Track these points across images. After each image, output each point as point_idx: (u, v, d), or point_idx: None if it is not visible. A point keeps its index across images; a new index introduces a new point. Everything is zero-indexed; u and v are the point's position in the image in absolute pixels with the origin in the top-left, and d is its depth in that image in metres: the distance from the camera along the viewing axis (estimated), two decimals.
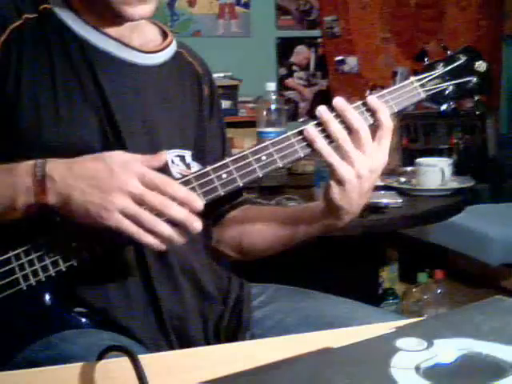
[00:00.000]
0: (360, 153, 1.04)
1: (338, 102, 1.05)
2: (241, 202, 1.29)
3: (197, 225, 0.96)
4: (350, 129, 1.04)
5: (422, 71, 1.14)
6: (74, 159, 0.97)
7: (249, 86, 3.80)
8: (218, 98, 1.33)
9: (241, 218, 1.27)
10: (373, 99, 1.07)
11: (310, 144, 1.05)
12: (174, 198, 0.95)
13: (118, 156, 0.97)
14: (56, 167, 0.96)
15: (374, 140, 1.05)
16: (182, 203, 0.95)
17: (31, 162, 0.97)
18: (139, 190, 0.94)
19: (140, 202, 0.94)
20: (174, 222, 0.95)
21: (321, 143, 1.04)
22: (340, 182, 1.05)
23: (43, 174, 0.95)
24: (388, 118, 1.07)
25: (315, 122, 1.05)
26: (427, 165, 2.10)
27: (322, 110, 1.05)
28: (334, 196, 1.07)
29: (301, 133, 1.05)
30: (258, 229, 1.24)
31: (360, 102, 1.07)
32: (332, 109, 1.05)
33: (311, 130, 1.04)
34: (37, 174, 0.95)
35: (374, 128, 1.07)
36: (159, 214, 0.94)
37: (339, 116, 1.05)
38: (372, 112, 1.06)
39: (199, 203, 0.97)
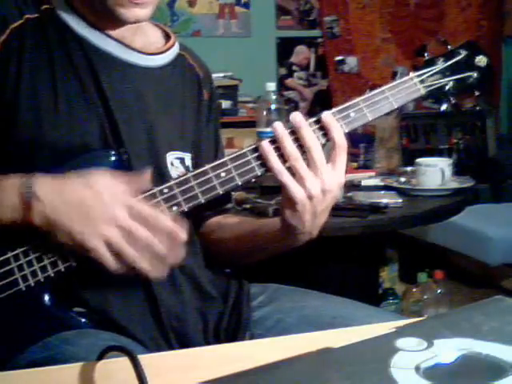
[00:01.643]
0: (312, 173, 1.01)
1: (295, 117, 1.02)
2: (224, 210, 1.29)
3: (178, 254, 0.99)
4: (302, 147, 1.01)
5: (422, 67, 1.13)
6: (63, 180, 0.98)
7: (249, 86, 3.80)
8: (216, 103, 1.33)
9: (217, 225, 1.27)
10: (327, 116, 1.04)
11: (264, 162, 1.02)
12: (160, 230, 0.97)
13: (104, 180, 0.98)
14: (44, 188, 0.97)
15: (328, 160, 1.02)
16: (167, 234, 0.97)
17: (19, 180, 0.97)
18: (127, 223, 0.96)
19: (127, 234, 0.96)
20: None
21: (273, 161, 1.01)
22: (291, 202, 1.03)
23: (30, 195, 0.96)
24: (342, 136, 1.03)
25: (271, 139, 1.03)
26: (427, 165, 2.10)
27: (277, 126, 1.02)
28: (286, 214, 1.06)
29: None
30: (224, 239, 1.24)
31: (314, 119, 1.04)
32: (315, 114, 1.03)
33: (266, 145, 1.02)
34: (24, 195, 0.96)
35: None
36: (145, 248, 0.97)
37: (294, 133, 1.02)
38: (325, 131, 1.03)
39: (183, 236, 0.99)
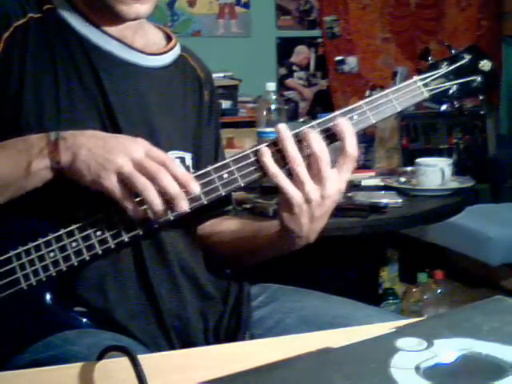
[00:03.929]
0: (313, 180, 1.00)
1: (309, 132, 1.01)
2: (224, 212, 1.29)
3: (184, 204, 0.97)
4: (309, 153, 1.00)
5: (426, 70, 1.13)
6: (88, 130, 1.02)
7: (249, 86, 3.80)
8: (216, 104, 1.33)
9: (216, 226, 1.27)
10: (342, 122, 1.02)
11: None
12: (173, 175, 0.96)
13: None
14: (68, 131, 1.00)
15: (334, 166, 1.01)
16: (179, 182, 0.97)
17: (45, 132, 1.00)
18: (141, 156, 0.97)
19: (139, 167, 0.96)
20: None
21: (267, 162, 1.00)
22: (288, 204, 1.02)
23: (57, 136, 0.98)
24: (355, 146, 1.02)
25: (273, 141, 1.02)
26: (427, 165, 2.10)
27: (280, 128, 1.01)
28: (283, 217, 1.05)
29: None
30: (223, 242, 1.24)
31: (328, 125, 1.03)
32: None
33: (264, 149, 1.01)
34: (50, 138, 0.98)
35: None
36: (153, 182, 0.96)
37: (299, 136, 1.01)
38: (338, 136, 1.02)
39: (196, 186, 0.98)
